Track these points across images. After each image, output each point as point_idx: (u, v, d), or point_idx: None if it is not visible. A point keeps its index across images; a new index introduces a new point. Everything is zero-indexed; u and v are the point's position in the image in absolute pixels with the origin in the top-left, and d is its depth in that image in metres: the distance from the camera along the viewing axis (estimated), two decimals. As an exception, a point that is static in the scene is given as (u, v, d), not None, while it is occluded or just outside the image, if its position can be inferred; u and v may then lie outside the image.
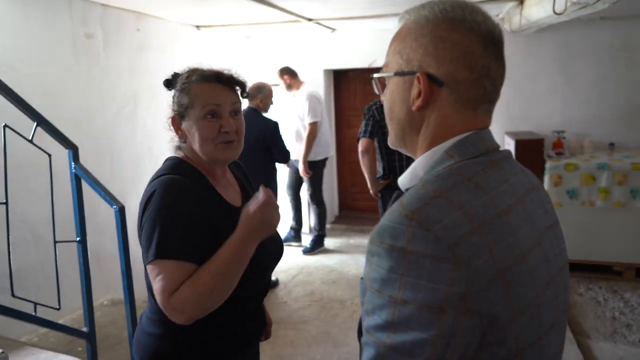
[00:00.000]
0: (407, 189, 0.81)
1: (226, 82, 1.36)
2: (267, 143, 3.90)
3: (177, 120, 1.37)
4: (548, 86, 4.82)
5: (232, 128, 1.33)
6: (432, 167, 0.76)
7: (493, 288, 0.65)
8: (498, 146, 0.80)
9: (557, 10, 2.96)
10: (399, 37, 0.81)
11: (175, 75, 1.41)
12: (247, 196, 1.48)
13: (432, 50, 0.75)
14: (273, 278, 4.20)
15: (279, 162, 4.12)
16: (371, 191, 3.50)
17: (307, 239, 5.11)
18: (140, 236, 1.26)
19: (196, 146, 1.33)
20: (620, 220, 4.05)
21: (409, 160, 0.85)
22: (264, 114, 4.04)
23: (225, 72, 1.37)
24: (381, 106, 4.13)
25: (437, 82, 0.75)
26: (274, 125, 3.97)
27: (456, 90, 0.75)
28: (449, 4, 0.77)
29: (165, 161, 1.40)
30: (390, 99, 0.82)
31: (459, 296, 0.62)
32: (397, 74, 0.80)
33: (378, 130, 3.35)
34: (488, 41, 0.76)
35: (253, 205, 1.23)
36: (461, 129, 0.76)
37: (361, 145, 3.36)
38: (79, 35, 3.40)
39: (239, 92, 1.40)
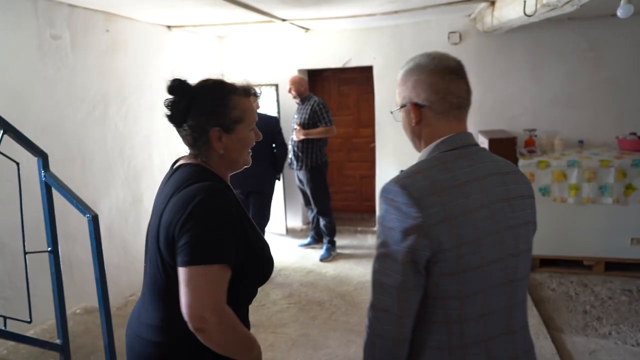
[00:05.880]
0: None
1: (253, 95, 1.46)
2: (271, 135, 4.43)
3: (219, 133, 1.37)
4: (519, 85, 4.90)
5: (260, 137, 1.49)
6: (429, 153, 1.20)
7: (441, 226, 1.06)
8: (475, 143, 1.22)
9: (528, 12, 3.01)
10: (399, 84, 1.26)
11: (184, 83, 1.37)
12: None
13: (412, 88, 1.22)
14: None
15: (278, 154, 4.53)
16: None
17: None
18: (169, 240, 1.26)
19: (234, 155, 1.41)
20: (590, 215, 4.16)
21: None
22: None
23: (254, 87, 1.48)
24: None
25: (419, 106, 1.21)
26: (276, 119, 4.67)
27: (432, 108, 1.20)
28: (422, 58, 1.22)
29: (185, 168, 1.38)
30: (403, 122, 1.28)
31: (418, 226, 1.05)
32: (400, 107, 1.27)
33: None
34: (445, 73, 1.19)
35: None
36: (444, 132, 1.20)
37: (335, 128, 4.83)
38: (45, 36, 3.29)
39: None
